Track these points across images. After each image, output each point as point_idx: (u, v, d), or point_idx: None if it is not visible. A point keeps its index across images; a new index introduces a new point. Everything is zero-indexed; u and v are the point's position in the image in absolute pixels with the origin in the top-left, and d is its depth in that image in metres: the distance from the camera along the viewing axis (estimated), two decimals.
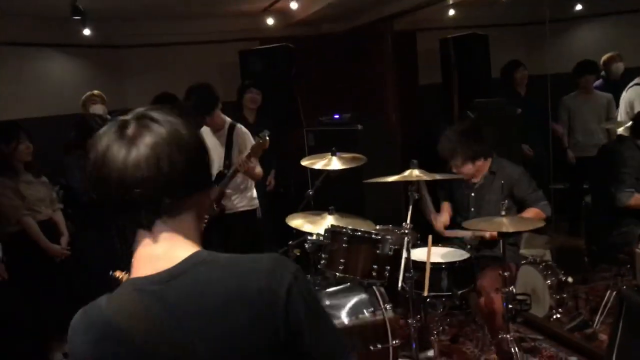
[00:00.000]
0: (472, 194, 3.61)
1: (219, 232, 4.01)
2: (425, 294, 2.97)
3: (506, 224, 2.92)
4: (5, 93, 5.00)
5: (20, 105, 5.09)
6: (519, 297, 3.54)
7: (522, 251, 4.53)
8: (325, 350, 1.13)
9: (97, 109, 4.81)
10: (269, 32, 6.55)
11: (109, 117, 4.99)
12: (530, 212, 3.43)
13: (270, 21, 6.26)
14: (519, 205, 3.48)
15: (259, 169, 3.96)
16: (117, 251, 4.16)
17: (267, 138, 3.66)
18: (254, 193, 4.22)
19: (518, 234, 3.81)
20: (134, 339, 1.04)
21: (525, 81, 5.73)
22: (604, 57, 5.64)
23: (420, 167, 3.07)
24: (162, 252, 1.10)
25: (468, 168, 3.56)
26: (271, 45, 5.84)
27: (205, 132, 4.07)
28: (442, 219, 3.71)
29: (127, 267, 1.17)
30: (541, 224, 3.11)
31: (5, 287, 3.63)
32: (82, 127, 4.13)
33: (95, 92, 4.95)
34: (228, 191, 4.02)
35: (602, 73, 5.62)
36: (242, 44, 6.40)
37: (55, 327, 4.03)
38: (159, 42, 6.30)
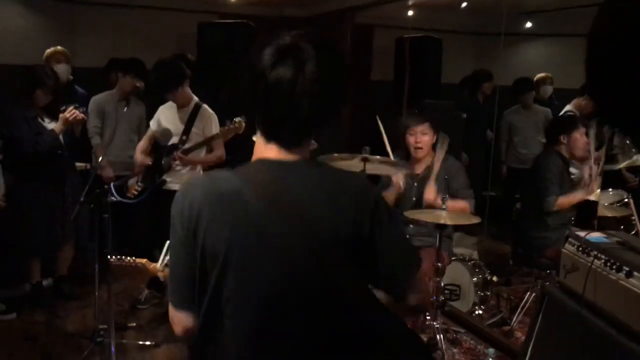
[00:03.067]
0: (415, 184, 3.76)
1: (151, 207, 4.00)
2: None
3: (445, 217, 3.08)
4: None
5: None
6: (448, 288, 3.72)
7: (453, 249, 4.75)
8: (394, 263, 1.35)
9: (61, 68, 4.65)
10: (230, 8, 6.53)
11: (71, 77, 4.86)
12: (460, 203, 3.61)
13: None
14: (450, 197, 3.65)
15: (220, 152, 3.96)
16: (55, 204, 4.10)
17: (243, 124, 3.64)
18: (201, 170, 4.18)
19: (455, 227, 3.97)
20: (258, 202, 1.25)
21: (489, 92, 5.98)
22: (536, 77, 5.96)
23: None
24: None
25: (430, 136, 3.71)
26: (232, 21, 5.82)
27: (170, 106, 4.04)
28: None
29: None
30: (476, 219, 3.29)
31: None
32: (31, 78, 4.01)
33: (59, 48, 4.76)
34: (176, 167, 4.00)
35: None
36: (202, 16, 6.34)
37: None
38: (117, 3, 6.17)
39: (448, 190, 3.64)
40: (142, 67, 4.67)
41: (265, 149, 1.31)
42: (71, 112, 3.91)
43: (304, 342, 1.28)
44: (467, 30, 7.42)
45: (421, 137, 3.69)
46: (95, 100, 4.63)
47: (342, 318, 1.28)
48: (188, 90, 3.96)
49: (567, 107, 5.05)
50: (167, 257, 1.70)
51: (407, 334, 1.42)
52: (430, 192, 3.51)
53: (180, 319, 1.34)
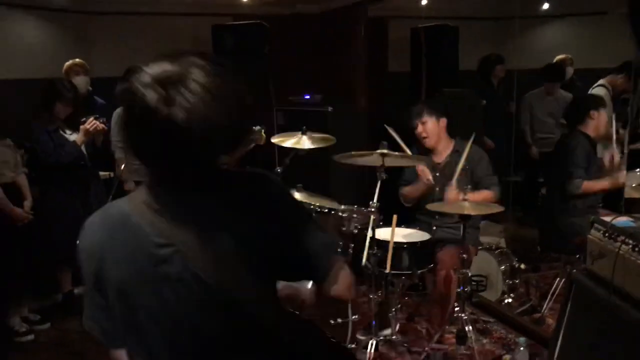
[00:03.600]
0: (437, 174, 3.73)
1: None
2: (388, 270, 3.08)
3: (468, 207, 3.05)
4: None
5: None
6: (475, 279, 3.69)
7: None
8: (313, 252, 1.32)
9: (80, 80, 4.70)
10: (243, 9, 6.53)
11: (90, 88, 4.92)
12: (483, 194, 3.58)
13: None
14: (474, 186, 3.61)
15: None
16: (81, 213, 4.16)
17: (263, 134, 3.63)
18: None
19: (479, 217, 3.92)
20: (149, 232, 1.21)
21: (503, 75, 5.94)
22: (556, 59, 5.87)
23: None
24: None
25: (432, 122, 3.69)
26: (245, 22, 5.83)
27: None
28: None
29: None
30: (499, 208, 3.25)
31: None
32: (50, 92, 4.09)
33: (77, 61, 4.79)
34: None
35: None
36: (215, 19, 6.36)
37: (14, 293, 4.02)
38: (131, 11, 6.21)
39: (472, 178, 3.60)
40: None
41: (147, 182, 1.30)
42: (91, 123, 3.99)
43: None
44: (483, 15, 7.32)
45: (422, 126, 3.69)
46: (118, 112, 4.68)
47: (256, 339, 1.27)
48: None
49: (600, 82, 4.98)
50: None
51: (330, 350, 1.46)
52: (452, 193, 3.47)
53: (112, 354, 1.35)
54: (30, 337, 3.96)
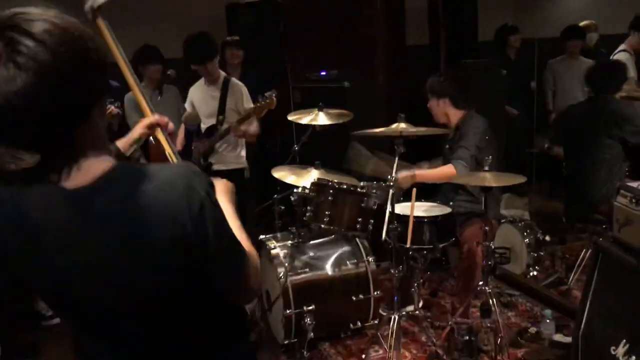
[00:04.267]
0: (447, 146, 3.68)
1: None
2: (408, 245, 3.03)
3: (489, 179, 2.98)
4: None
5: None
6: (498, 251, 3.63)
7: (502, 211, 4.63)
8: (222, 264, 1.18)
9: None
10: None
11: None
12: (438, 170, 3.51)
13: None
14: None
15: (255, 129, 3.93)
16: None
17: (274, 98, 3.60)
18: (243, 152, 4.18)
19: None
20: (45, 237, 1.07)
21: (518, 46, 5.84)
22: (581, 24, 5.72)
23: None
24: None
25: (432, 103, 3.67)
26: (259, 0, 5.77)
27: (199, 85, 4.07)
28: None
29: None
30: (521, 179, 3.13)
31: None
32: None
33: None
34: (219, 149, 4.00)
35: None
36: None
37: None
38: None
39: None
40: (158, 53, 4.64)
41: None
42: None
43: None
44: None
45: (432, 106, 3.69)
46: (128, 97, 4.67)
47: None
48: (217, 64, 3.98)
49: (621, 47, 4.88)
50: None
51: None
52: (402, 173, 3.37)
53: None
54: (57, 320, 4.01)
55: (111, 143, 4.07)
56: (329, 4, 6.58)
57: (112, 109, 4.00)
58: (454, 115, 3.65)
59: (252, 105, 3.76)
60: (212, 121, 4.00)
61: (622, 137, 3.71)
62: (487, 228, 3.12)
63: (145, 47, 4.67)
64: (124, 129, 4.40)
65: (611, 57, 4.93)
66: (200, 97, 4.08)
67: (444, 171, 3.45)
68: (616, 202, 2.34)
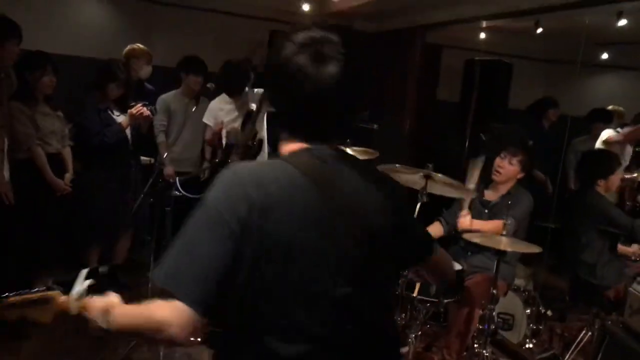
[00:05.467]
0: (486, 211, 3.67)
1: None
2: (415, 295, 3.03)
3: (505, 243, 2.99)
4: (39, 25, 5.05)
5: (52, 40, 5.16)
6: (502, 316, 3.62)
7: None
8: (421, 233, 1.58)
9: (146, 69, 4.76)
10: (302, 18, 6.59)
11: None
12: (493, 223, 3.51)
13: (306, 7, 6.31)
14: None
15: None
16: (117, 195, 4.22)
17: None
18: None
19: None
20: (322, 192, 1.23)
21: (555, 119, 5.89)
22: (608, 108, 5.80)
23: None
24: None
25: (516, 168, 3.63)
26: None
27: (228, 101, 4.27)
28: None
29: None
30: (537, 249, 3.15)
31: (6, 210, 3.65)
32: (105, 72, 4.18)
33: (142, 47, 4.78)
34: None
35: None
36: (274, 24, 6.43)
37: (44, 261, 4.07)
38: (193, 5, 6.33)
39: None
40: (203, 66, 4.75)
41: (291, 138, 1.33)
42: (137, 109, 4.06)
43: (352, 337, 1.27)
44: (539, 56, 7.27)
45: (507, 165, 3.61)
46: (162, 98, 4.75)
47: (379, 316, 1.34)
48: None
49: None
50: (81, 285, 1.44)
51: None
52: (463, 219, 3.40)
53: (191, 318, 1.14)
54: None
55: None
56: (369, 45, 6.70)
57: (145, 111, 4.06)
58: (510, 183, 3.65)
59: None
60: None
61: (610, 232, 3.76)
62: (494, 291, 3.12)
63: (192, 57, 4.78)
64: (151, 130, 4.48)
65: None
66: (227, 112, 4.28)
67: (497, 227, 3.41)
68: (632, 288, 2.35)
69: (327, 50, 1.24)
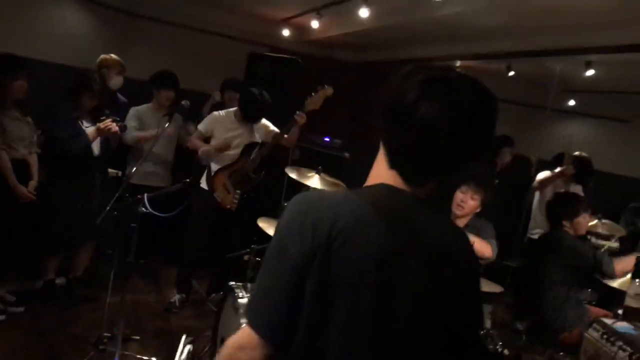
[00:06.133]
0: None
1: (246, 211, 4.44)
2: None
3: None
4: (15, 29, 4.99)
5: (29, 44, 5.09)
6: None
7: None
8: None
9: (118, 80, 4.73)
10: (281, 42, 6.66)
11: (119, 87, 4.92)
12: (485, 245, 3.55)
13: (285, 32, 6.37)
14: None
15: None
16: (80, 206, 4.15)
17: (327, 87, 4.07)
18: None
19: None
20: (393, 228, 1.16)
21: (508, 161, 5.95)
22: (574, 154, 5.93)
23: None
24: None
25: (477, 203, 3.65)
26: (282, 55, 5.93)
27: (227, 116, 4.48)
28: None
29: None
30: (498, 288, 3.21)
31: None
32: (80, 81, 4.13)
33: (115, 58, 4.76)
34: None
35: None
36: (252, 46, 6.48)
37: (2, 265, 3.97)
38: (173, 22, 6.34)
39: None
40: (175, 81, 4.74)
41: (386, 174, 1.24)
42: (106, 124, 4.01)
43: None
44: (510, 98, 7.44)
45: (470, 200, 3.66)
46: (136, 109, 4.73)
47: None
48: None
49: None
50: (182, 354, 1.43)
51: None
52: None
53: (263, 349, 1.15)
54: (2, 317, 3.88)
55: None
56: (346, 75, 6.78)
57: (113, 127, 4.02)
58: (471, 213, 3.70)
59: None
60: (238, 151, 4.37)
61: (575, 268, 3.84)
62: None
63: (164, 72, 4.76)
64: (120, 144, 4.44)
65: None
66: (229, 128, 4.44)
67: (484, 249, 3.46)
68: (587, 333, 2.40)
69: (456, 97, 1.16)
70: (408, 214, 1.20)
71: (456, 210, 3.70)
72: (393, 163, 1.23)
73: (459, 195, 3.69)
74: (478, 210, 3.73)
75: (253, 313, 1.18)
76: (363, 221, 1.15)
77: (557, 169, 5.23)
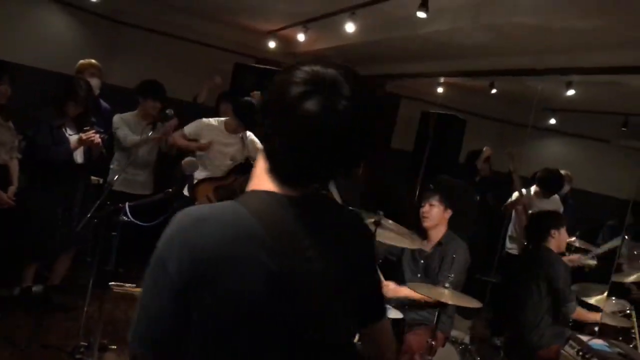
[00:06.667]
0: (422, 261, 3.73)
1: None
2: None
3: (446, 295, 3.05)
4: (0, 33, 4.96)
5: (13, 49, 5.05)
6: None
7: None
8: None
9: (94, 82, 4.71)
10: (267, 54, 6.69)
11: (98, 91, 4.92)
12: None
13: (272, 44, 6.40)
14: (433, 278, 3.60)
15: None
16: (60, 214, 4.11)
17: None
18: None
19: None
20: (277, 243, 1.12)
21: (487, 173, 6.02)
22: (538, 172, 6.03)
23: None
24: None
25: (440, 210, 3.68)
26: (269, 67, 5.96)
27: (219, 129, 4.50)
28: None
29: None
30: (477, 304, 3.24)
31: None
32: (66, 88, 4.09)
33: (94, 62, 4.77)
34: None
35: None
36: (239, 57, 6.50)
37: None
38: (159, 30, 6.34)
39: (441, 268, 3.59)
40: (162, 91, 4.73)
41: (266, 178, 1.19)
42: (88, 136, 3.96)
43: None
44: (492, 115, 7.55)
45: (429, 207, 3.71)
46: (120, 116, 4.70)
47: None
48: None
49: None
50: None
51: None
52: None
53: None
54: None
55: None
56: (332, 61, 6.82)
57: (95, 138, 3.98)
58: (441, 228, 3.73)
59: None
60: (226, 161, 4.44)
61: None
62: (433, 342, 3.16)
63: (151, 81, 4.73)
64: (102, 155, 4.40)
65: None
66: (217, 136, 4.48)
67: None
68: (564, 350, 2.43)
69: (336, 93, 1.12)
70: (295, 222, 1.16)
71: (424, 223, 3.74)
72: (272, 164, 1.18)
73: (421, 212, 3.75)
74: (447, 214, 3.72)
75: (140, 331, 1.15)
76: (250, 240, 1.11)
77: (522, 191, 5.29)
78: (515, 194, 5.34)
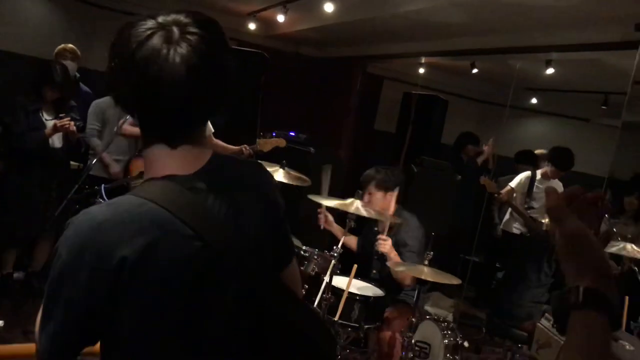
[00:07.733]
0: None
1: None
2: (336, 319, 3.06)
3: (426, 273, 3.07)
4: None
5: None
6: (419, 344, 3.69)
7: (428, 308, 4.72)
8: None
9: (68, 65, 4.65)
10: (249, 37, 6.64)
11: (77, 74, 4.86)
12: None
13: (252, 26, 6.35)
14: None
15: None
16: (38, 199, 4.07)
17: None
18: None
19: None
20: (193, 228, 1.10)
21: (472, 155, 6.07)
22: (536, 152, 6.08)
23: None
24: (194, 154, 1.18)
25: (377, 195, 3.64)
26: (248, 49, 5.91)
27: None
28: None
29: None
30: (457, 280, 3.25)
31: None
32: (42, 73, 4.04)
33: (69, 46, 4.71)
34: None
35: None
36: None
37: None
38: (137, 13, 6.25)
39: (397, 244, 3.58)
40: None
41: (163, 160, 1.16)
42: (62, 123, 3.92)
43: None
44: (473, 96, 7.57)
45: (369, 197, 3.63)
46: (97, 103, 4.64)
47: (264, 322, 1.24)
48: None
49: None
50: None
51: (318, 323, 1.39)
52: (384, 244, 3.44)
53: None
54: None
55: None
56: (311, 71, 6.80)
57: (70, 126, 3.94)
58: (392, 209, 3.72)
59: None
60: None
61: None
62: (413, 320, 3.19)
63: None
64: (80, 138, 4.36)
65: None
66: None
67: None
68: (540, 323, 2.46)
69: (182, 33, 1.07)
70: (199, 195, 1.13)
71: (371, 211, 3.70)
72: (147, 130, 1.16)
73: (362, 203, 3.66)
74: (390, 194, 3.68)
75: (50, 337, 1.14)
76: (162, 232, 1.07)
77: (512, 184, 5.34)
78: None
